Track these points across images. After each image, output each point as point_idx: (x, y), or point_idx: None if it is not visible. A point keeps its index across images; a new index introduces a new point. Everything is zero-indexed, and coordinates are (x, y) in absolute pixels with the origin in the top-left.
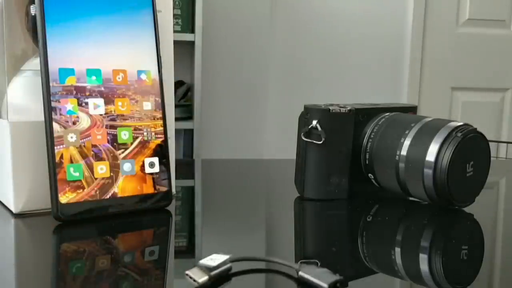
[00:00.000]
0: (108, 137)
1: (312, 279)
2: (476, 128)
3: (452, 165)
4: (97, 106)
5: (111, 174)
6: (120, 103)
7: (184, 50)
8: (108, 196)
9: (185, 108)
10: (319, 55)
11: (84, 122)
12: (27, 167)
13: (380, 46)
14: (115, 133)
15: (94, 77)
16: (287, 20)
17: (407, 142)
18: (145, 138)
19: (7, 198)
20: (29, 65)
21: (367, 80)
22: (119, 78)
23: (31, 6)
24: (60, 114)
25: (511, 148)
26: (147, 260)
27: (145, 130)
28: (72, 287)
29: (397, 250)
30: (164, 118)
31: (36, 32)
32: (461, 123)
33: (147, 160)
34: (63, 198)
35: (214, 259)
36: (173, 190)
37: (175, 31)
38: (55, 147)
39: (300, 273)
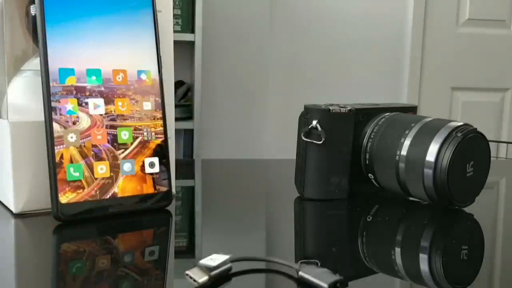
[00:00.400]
0: (108, 137)
1: (312, 279)
2: (476, 128)
3: (452, 165)
4: (97, 106)
5: (111, 174)
6: (120, 103)
7: (184, 50)
8: (108, 196)
9: (185, 108)
10: (319, 55)
11: (84, 122)
12: (27, 167)
13: (380, 46)
14: (115, 133)
15: (94, 77)
16: (287, 20)
17: (407, 142)
18: (145, 138)
19: (7, 198)
20: (29, 65)
21: (367, 80)
22: (119, 78)
23: (31, 6)
24: (60, 114)
25: (511, 148)
26: (147, 260)
27: (145, 130)
28: (72, 287)
29: (397, 250)
30: (164, 118)
31: (36, 32)
32: (461, 123)
33: (147, 160)
34: (63, 198)
35: (214, 259)
36: (173, 190)
37: (175, 31)
38: (55, 147)
39: (300, 273)
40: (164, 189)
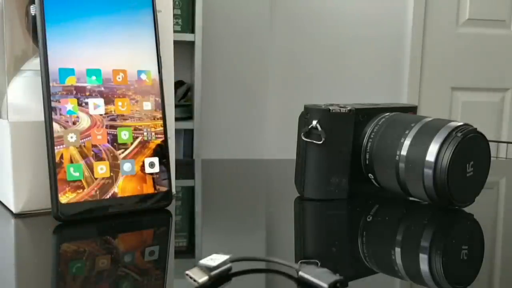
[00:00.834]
0: (108, 137)
1: (312, 279)
2: (476, 128)
3: (452, 165)
4: (97, 106)
5: (111, 174)
6: (120, 103)
7: (184, 50)
8: (108, 196)
9: (185, 108)
10: (319, 55)
11: (84, 122)
12: (27, 167)
13: (380, 46)
14: (115, 133)
15: (94, 77)
16: (287, 20)
17: (407, 142)
18: (145, 138)
19: (7, 198)
20: (29, 65)
21: (367, 80)
22: (119, 78)
23: (31, 6)
24: (60, 114)
25: (511, 148)
26: (147, 260)
27: (145, 130)
28: (72, 287)
29: (397, 250)
30: (164, 118)
31: (36, 32)
32: (461, 123)
33: (147, 160)
34: (63, 198)
35: (214, 259)
36: (173, 190)
37: (175, 31)
38: (55, 147)
39: (300, 273)
40: (164, 189)
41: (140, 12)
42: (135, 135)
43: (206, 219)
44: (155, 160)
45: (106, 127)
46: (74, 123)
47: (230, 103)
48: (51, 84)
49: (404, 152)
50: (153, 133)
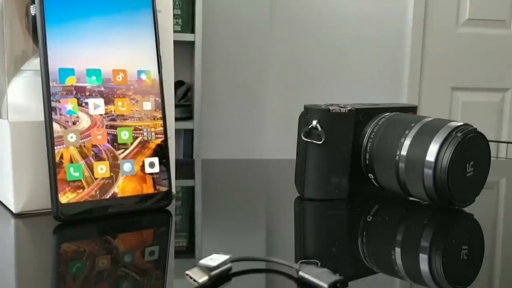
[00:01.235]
0: (108, 137)
1: (312, 279)
2: (476, 128)
3: (452, 165)
4: (97, 106)
5: (111, 174)
6: (120, 103)
7: (184, 50)
8: (108, 196)
9: (185, 108)
10: (319, 55)
11: (84, 122)
12: (27, 167)
13: (380, 46)
14: (115, 133)
15: (94, 77)
16: (287, 20)
17: (407, 142)
18: (145, 138)
19: (7, 198)
20: (29, 65)
21: (367, 80)
22: (119, 78)
23: (31, 6)
24: (60, 114)
25: (511, 148)
26: (147, 260)
27: (145, 130)
28: (72, 287)
29: (397, 250)
30: (164, 118)
31: (36, 32)
32: (461, 123)
33: (147, 160)
34: (63, 198)
35: (214, 259)
36: (173, 190)
37: (175, 31)
38: (55, 147)
39: (300, 273)
40: (164, 189)
41: (140, 12)
42: (135, 135)
43: (206, 219)
44: (155, 160)
45: (106, 127)
46: (74, 123)
47: (230, 103)
48: (51, 84)
49: (404, 152)
50: (153, 133)
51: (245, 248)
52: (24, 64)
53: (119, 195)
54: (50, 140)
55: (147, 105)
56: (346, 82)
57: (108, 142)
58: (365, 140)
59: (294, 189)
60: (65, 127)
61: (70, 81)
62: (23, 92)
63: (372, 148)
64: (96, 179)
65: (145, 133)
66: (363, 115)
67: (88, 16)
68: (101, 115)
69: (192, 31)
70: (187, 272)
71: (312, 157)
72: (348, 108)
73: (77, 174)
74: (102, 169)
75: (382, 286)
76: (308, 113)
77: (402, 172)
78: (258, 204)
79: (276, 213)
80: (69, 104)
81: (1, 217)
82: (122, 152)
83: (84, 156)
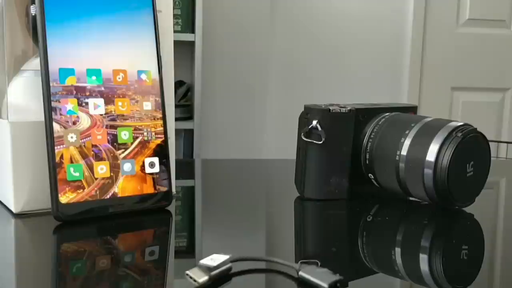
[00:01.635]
0: (108, 137)
1: (312, 279)
2: (476, 128)
3: (452, 165)
4: (97, 106)
5: (111, 174)
6: (120, 103)
7: (184, 50)
8: (108, 196)
9: (185, 108)
10: (319, 55)
11: (84, 122)
12: (27, 167)
13: (380, 46)
14: (115, 133)
15: (94, 77)
16: (287, 20)
17: (407, 142)
18: (145, 138)
19: (7, 198)
20: (29, 65)
21: (367, 80)
22: (119, 78)
23: (31, 6)
24: (60, 114)
25: (511, 148)
26: (147, 260)
27: (145, 130)
28: (72, 287)
29: (397, 250)
30: (164, 118)
31: (36, 32)
32: (461, 123)
33: (147, 160)
34: (63, 198)
35: (214, 259)
36: (173, 190)
37: (175, 31)
38: (55, 147)
39: (300, 273)
40: (164, 189)
41: (140, 12)
42: (135, 135)
43: (206, 219)
44: (155, 160)
45: (106, 127)
46: (74, 123)
47: (230, 103)
48: (51, 84)
49: (404, 152)
50: (153, 133)
51: (245, 248)
52: (24, 64)
53: (119, 195)
54: (50, 140)
55: (147, 105)
56: (346, 82)
57: (108, 142)
58: (365, 140)
59: (294, 189)
60: (65, 127)
61: (70, 81)
62: (23, 92)
63: (372, 148)
64: (96, 179)
65: (145, 133)
66: (363, 115)
67: (88, 16)
68: (101, 115)
69: (192, 31)
70: (187, 272)
71: (312, 157)
72: (348, 108)
73: (77, 174)
74: (102, 169)
75: (382, 286)
76: (308, 113)
77: (402, 172)
78: (258, 204)
79: (276, 213)
80: (69, 104)
81: (1, 217)
82: (122, 152)
83: (84, 156)
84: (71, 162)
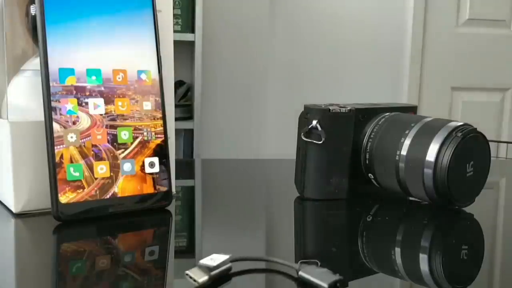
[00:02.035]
0: (108, 137)
1: (312, 279)
2: (476, 128)
3: (452, 165)
4: (97, 106)
5: (111, 174)
6: (120, 103)
7: (184, 50)
8: (108, 196)
9: (185, 108)
10: (319, 55)
11: (84, 122)
12: (27, 167)
13: (380, 46)
14: (115, 133)
15: (94, 77)
16: (287, 20)
17: (407, 142)
18: (145, 138)
19: (7, 198)
20: (29, 65)
21: (367, 80)
22: (119, 78)
23: (31, 6)
24: (60, 114)
25: (511, 148)
26: (147, 260)
27: (145, 130)
28: (72, 287)
29: (397, 250)
30: (164, 118)
31: (36, 32)
32: (461, 123)
33: (147, 160)
34: (63, 198)
35: (214, 259)
36: (173, 190)
37: (175, 31)
38: (55, 147)
39: (300, 273)
40: (164, 189)
41: (140, 12)
42: (135, 135)
43: (206, 219)
44: (155, 160)
45: (106, 127)
46: (74, 123)
47: (230, 103)
48: (51, 84)
49: (404, 152)
50: (153, 133)
51: (245, 248)
52: (24, 64)
53: (119, 195)
54: (50, 140)
55: (147, 105)
56: (346, 82)
57: (108, 142)
58: (365, 140)
59: (294, 189)
60: (65, 127)
61: (70, 81)
62: (23, 92)
63: (372, 148)
64: (96, 179)
65: (145, 133)
66: (363, 115)
67: (88, 16)
68: (101, 115)
69: (192, 31)
70: (187, 272)
71: (312, 157)
72: (348, 108)
73: (77, 174)
74: (102, 169)
75: (382, 286)
76: (308, 113)
77: (402, 172)
78: (258, 204)
79: (276, 213)
80: (69, 104)
81: (1, 217)
82: (122, 152)
83: (84, 156)
84: (71, 162)
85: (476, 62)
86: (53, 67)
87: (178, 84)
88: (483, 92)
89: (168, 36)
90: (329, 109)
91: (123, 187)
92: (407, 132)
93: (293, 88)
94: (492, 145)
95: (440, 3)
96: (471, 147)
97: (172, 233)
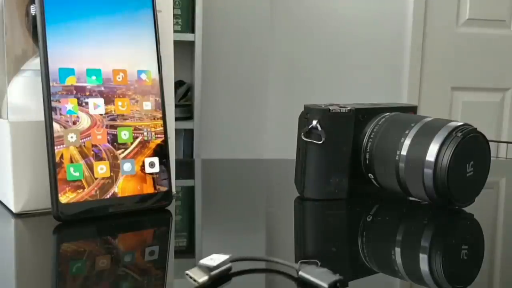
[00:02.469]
0: (108, 137)
1: (312, 279)
2: (476, 128)
3: (452, 165)
4: (97, 106)
5: (111, 174)
6: (120, 103)
7: (184, 50)
8: (108, 196)
9: (185, 108)
10: (319, 55)
11: (84, 122)
12: (27, 167)
13: (380, 46)
14: (115, 133)
15: (94, 77)
16: (287, 20)
17: (407, 142)
18: (145, 138)
19: (7, 198)
20: (29, 65)
21: (367, 80)
22: (119, 78)
23: (31, 6)
24: (60, 114)
25: (511, 148)
26: (147, 260)
27: (145, 130)
28: (72, 287)
29: (397, 250)
30: (164, 118)
31: (36, 32)
32: (461, 123)
33: (147, 160)
34: (63, 198)
35: (214, 259)
36: (173, 190)
37: (175, 31)
38: (55, 147)
39: (300, 273)
40: (164, 189)
41: (140, 12)
42: (135, 135)
43: (206, 219)
44: (155, 160)
45: (106, 127)
46: (74, 123)
47: (230, 103)
48: (51, 84)
49: (404, 152)
50: (153, 133)
51: (245, 248)
52: (24, 64)
53: (119, 195)
54: (50, 140)
55: (147, 105)
56: (346, 82)
57: (108, 142)
58: (365, 140)
59: (294, 189)
60: (65, 127)
61: (70, 81)
62: (23, 92)
63: (372, 148)
64: (96, 179)
65: (145, 133)
66: (363, 115)
67: (88, 16)
68: (101, 115)
69: (192, 31)
70: (187, 272)
71: (312, 157)
72: (348, 108)
73: (77, 174)
74: (102, 169)
75: (382, 286)
76: (308, 113)
77: (402, 172)
78: (258, 204)
79: (276, 213)
80: (69, 104)
81: (1, 217)
82: (122, 152)
83: (84, 156)
84: (71, 162)
85: (476, 62)
86: (53, 67)
87: (178, 84)
88: (483, 92)
89: (168, 36)
90: (329, 109)
91: (123, 187)
92: (407, 132)
93: (293, 88)
94: (492, 145)
95: (440, 3)
96: (471, 147)
97: (172, 233)
